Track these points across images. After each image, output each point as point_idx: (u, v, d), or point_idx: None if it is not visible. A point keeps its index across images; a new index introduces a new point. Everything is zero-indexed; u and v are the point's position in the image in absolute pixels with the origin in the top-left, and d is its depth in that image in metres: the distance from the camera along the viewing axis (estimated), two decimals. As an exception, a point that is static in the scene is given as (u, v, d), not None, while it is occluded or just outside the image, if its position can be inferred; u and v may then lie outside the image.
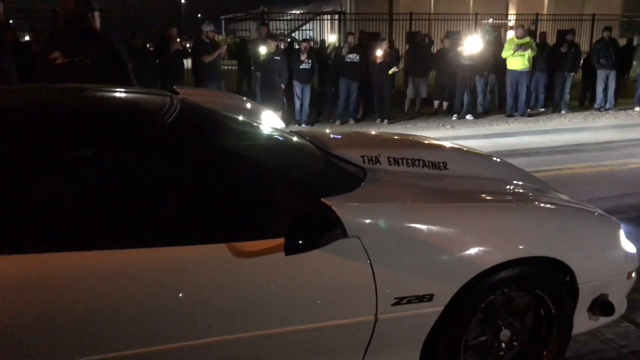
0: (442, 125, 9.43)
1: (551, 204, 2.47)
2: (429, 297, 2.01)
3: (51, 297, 1.60)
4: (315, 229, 1.80)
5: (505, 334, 2.25)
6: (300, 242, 1.75)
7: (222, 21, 23.12)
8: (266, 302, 1.82)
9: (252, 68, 9.80)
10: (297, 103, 9.34)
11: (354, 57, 9.36)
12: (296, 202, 1.89)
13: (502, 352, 2.28)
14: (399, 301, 1.97)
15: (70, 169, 1.82)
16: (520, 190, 2.63)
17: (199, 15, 16.65)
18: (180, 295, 1.72)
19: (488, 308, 2.19)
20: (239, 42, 14.27)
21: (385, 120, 9.62)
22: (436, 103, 10.67)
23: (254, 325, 1.81)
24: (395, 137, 3.37)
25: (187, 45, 9.79)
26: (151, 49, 9.17)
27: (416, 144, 3.01)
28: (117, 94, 2.39)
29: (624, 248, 2.44)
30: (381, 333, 1.99)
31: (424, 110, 10.55)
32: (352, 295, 1.92)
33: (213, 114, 2.43)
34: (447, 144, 3.11)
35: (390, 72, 9.56)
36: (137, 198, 1.83)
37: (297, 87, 9.24)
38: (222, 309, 1.77)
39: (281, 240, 1.77)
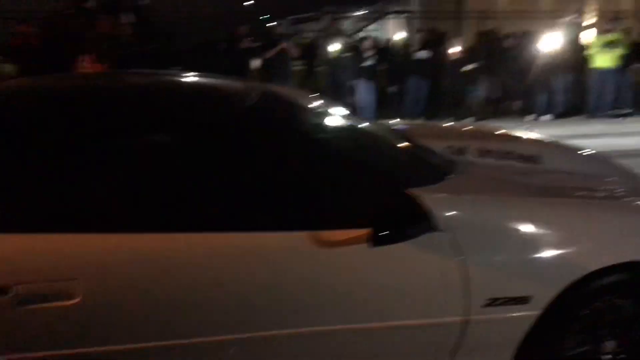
0: (518, 126, 9.00)
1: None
2: (525, 300, 1.83)
3: (133, 279, 1.58)
4: (402, 221, 1.68)
5: (609, 345, 2.03)
6: (386, 233, 1.64)
7: (288, 21, 23.38)
8: (348, 295, 1.72)
9: (318, 67, 9.79)
10: (362, 102, 9.21)
11: (423, 54, 9.12)
12: (382, 192, 1.77)
13: (604, 365, 2.06)
14: (491, 302, 1.81)
15: (161, 151, 1.80)
16: (623, 187, 2.38)
17: (267, 15, 16.88)
18: (260, 282, 1.66)
19: (591, 315, 1.98)
20: (305, 42, 14.28)
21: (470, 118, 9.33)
22: (510, 103, 10.22)
23: (335, 319, 1.72)
24: (484, 129, 3.18)
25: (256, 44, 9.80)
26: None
27: (506, 135, 2.81)
28: (202, 79, 2.36)
29: None
30: (470, 336, 1.83)
31: (497, 110, 10.12)
32: (440, 293, 1.78)
33: (296, 101, 2.36)
34: (539, 137, 2.89)
35: (466, 70, 9.26)
36: (221, 182, 1.77)
37: (361, 85, 9.12)
38: (301, 299, 1.69)
39: (365, 231, 1.66)
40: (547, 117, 9.51)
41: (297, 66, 12.55)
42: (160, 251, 1.61)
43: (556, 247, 1.85)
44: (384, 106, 9.72)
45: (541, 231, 1.86)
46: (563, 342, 1.97)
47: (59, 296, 1.52)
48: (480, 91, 10.22)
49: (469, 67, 9.32)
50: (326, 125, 2.29)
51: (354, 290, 1.73)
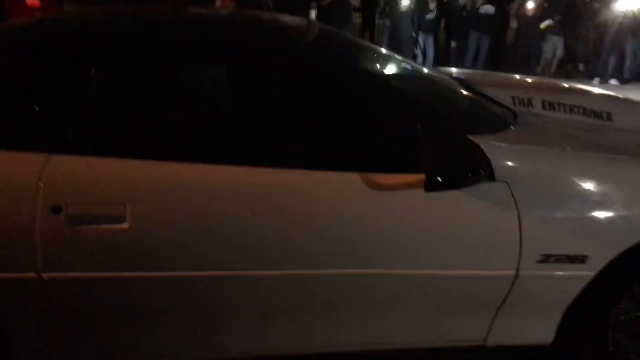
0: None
1: None
2: (581, 259, 1.76)
3: (181, 209, 1.59)
4: (459, 168, 1.62)
5: (666, 314, 1.94)
6: (442, 179, 1.59)
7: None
8: (399, 239, 1.69)
9: (379, 18, 9.49)
10: (421, 55, 8.94)
11: (488, 8, 8.69)
12: (440, 137, 1.70)
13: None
14: (545, 258, 1.74)
15: (220, 83, 1.79)
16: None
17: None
18: (311, 220, 1.65)
19: (649, 281, 1.89)
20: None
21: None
22: (571, 65, 9.66)
23: (386, 262, 1.70)
24: (552, 82, 3.02)
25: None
26: None
27: (575, 89, 2.66)
28: (259, 14, 2.32)
29: None
30: (520, 291, 1.79)
31: (561, 72, 9.63)
32: (493, 245, 1.73)
33: (355, 41, 2.28)
34: (616, 94, 2.72)
35: (542, 26, 8.78)
36: (278, 117, 1.75)
37: (421, 39, 8.83)
38: (353, 240, 1.67)
39: (421, 176, 1.61)
40: (613, 81, 8.98)
41: (358, 18, 12.20)
42: (210, 183, 1.61)
43: (618, 207, 1.76)
44: (444, 61, 9.42)
45: (603, 190, 1.76)
46: (619, 306, 1.90)
47: (108, 219, 1.54)
48: (545, 51, 9.73)
49: (545, 23, 8.83)
50: (387, 67, 2.22)
51: (405, 236, 1.70)
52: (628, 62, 9.26)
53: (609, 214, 1.76)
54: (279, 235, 1.64)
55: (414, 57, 8.53)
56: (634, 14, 8.60)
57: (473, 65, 8.97)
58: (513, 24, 10.31)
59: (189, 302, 1.67)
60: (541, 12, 8.76)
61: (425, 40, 8.87)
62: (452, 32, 9.59)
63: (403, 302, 1.79)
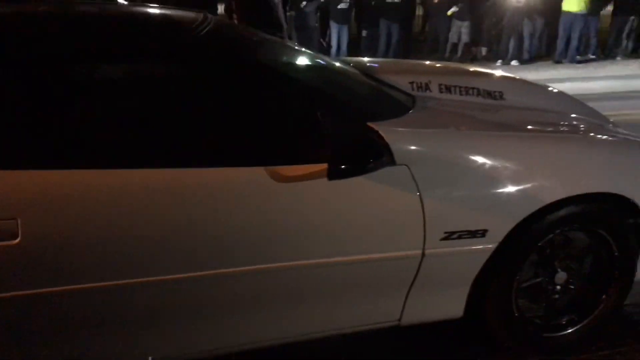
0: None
1: (617, 137, 2.23)
2: (481, 233, 1.85)
3: (74, 218, 1.51)
4: (360, 154, 1.64)
5: (561, 276, 2.08)
6: (344, 167, 1.61)
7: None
8: (306, 230, 1.69)
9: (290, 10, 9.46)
10: (334, 45, 9.03)
11: None
12: (340, 126, 1.72)
13: (556, 296, 2.12)
14: (448, 236, 1.82)
15: (103, 83, 1.70)
16: (584, 123, 2.39)
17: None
18: (215, 218, 1.61)
19: (545, 248, 2.02)
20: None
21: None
22: (476, 48, 10.13)
23: (293, 255, 1.70)
24: (448, 65, 3.14)
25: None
26: None
27: (470, 72, 2.78)
28: (150, 9, 2.23)
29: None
30: (428, 269, 1.85)
31: (466, 56, 10.07)
32: (398, 227, 1.78)
33: (250, 32, 2.25)
34: (508, 74, 2.87)
35: (449, 13, 9.11)
36: (171, 115, 1.70)
37: (333, 28, 8.91)
38: (259, 235, 1.65)
39: (324, 165, 1.62)
40: (515, 62, 9.52)
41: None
42: (103, 188, 1.53)
43: (512, 181, 1.86)
44: (357, 50, 9.57)
45: (497, 165, 1.85)
46: (519, 274, 2.01)
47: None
48: (451, 35, 10.13)
49: (451, 10, 9.19)
50: (285, 57, 2.22)
51: (312, 226, 1.70)
52: (526, 44, 9.85)
53: (504, 188, 1.85)
54: (185, 236, 1.59)
55: (325, 48, 8.56)
56: None
57: (385, 54, 9.18)
58: (419, 11, 10.65)
59: (85, 313, 1.59)
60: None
61: (340, 30, 8.96)
62: (362, 21, 9.76)
63: (318, 290, 1.80)
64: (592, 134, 2.28)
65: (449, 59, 9.79)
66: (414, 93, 2.30)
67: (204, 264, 1.62)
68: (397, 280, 1.87)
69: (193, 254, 1.61)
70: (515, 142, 1.98)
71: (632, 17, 9.82)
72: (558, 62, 9.61)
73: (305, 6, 8.24)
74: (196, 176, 1.61)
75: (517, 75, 8.17)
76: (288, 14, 8.97)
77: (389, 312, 1.93)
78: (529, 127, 2.16)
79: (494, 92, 2.43)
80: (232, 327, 1.77)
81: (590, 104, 4.43)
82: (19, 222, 1.43)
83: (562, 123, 2.33)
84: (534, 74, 8.76)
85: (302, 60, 2.25)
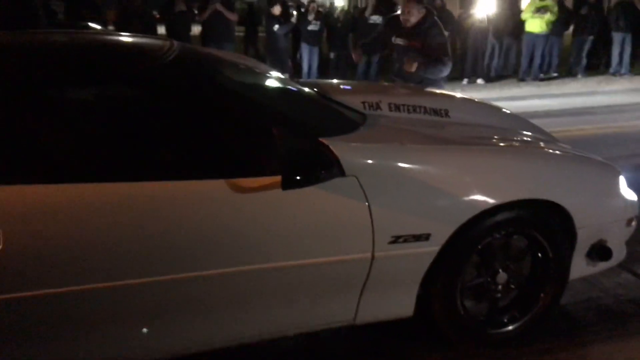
0: (452, 89, 9.31)
1: (551, 149, 2.46)
2: (425, 237, 2.03)
3: (51, 228, 1.65)
4: (312, 166, 1.82)
5: (502, 276, 2.28)
6: (297, 177, 1.78)
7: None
8: (263, 237, 1.85)
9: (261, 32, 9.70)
10: (305, 67, 9.27)
11: (376, 19, 9.13)
12: (294, 140, 1.90)
13: (498, 295, 2.31)
14: (395, 240, 1.99)
15: (76, 105, 1.85)
16: (521, 137, 2.62)
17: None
18: (180, 227, 1.77)
19: (485, 250, 2.21)
20: (246, 6, 13.97)
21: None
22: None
23: (252, 259, 1.85)
24: (398, 86, 3.36)
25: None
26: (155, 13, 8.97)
27: (419, 91, 3.00)
28: (119, 37, 2.41)
29: (624, 195, 2.44)
30: (378, 271, 2.02)
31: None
32: (349, 232, 1.95)
33: (212, 57, 2.44)
34: (453, 94, 3.10)
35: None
36: (140, 133, 1.86)
37: (304, 50, 9.16)
38: (220, 242, 1.81)
39: (279, 177, 1.79)
40: (480, 81, 9.88)
41: (240, 32, 12.32)
42: (77, 201, 1.68)
43: (452, 189, 2.05)
44: (328, 72, 9.82)
45: (438, 175, 2.05)
46: (462, 275, 2.20)
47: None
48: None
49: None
50: (245, 79, 2.41)
51: (268, 233, 1.87)
52: (494, 62, 10.23)
53: (444, 195, 2.05)
54: (149, 243, 1.74)
55: (295, 69, 8.76)
56: (488, 19, 9.54)
57: (366, 74, 9.42)
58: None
59: (69, 316, 1.73)
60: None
61: (310, 51, 9.19)
62: (334, 42, 10.02)
63: (277, 292, 1.95)
64: (528, 147, 2.50)
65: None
66: (366, 111, 2.50)
67: (167, 268, 1.76)
68: (350, 282, 2.04)
69: (158, 260, 1.75)
70: (455, 154, 2.19)
71: (590, 37, 10.31)
72: (522, 80, 10.01)
73: (278, 29, 8.48)
74: (164, 188, 1.77)
75: (482, 92, 8.48)
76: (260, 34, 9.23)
77: (344, 312, 2.09)
78: (469, 141, 2.37)
79: (439, 110, 2.65)
80: (194, 329, 1.91)
81: (549, 120, 4.71)
82: (1, 232, 1.58)
83: (501, 137, 2.55)
84: (497, 91, 9.14)
85: (260, 82, 2.45)
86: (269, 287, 1.94)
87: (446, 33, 9.65)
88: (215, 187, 1.81)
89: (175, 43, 2.25)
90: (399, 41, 4.11)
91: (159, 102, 1.89)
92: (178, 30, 7.95)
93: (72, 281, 1.68)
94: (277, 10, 8.48)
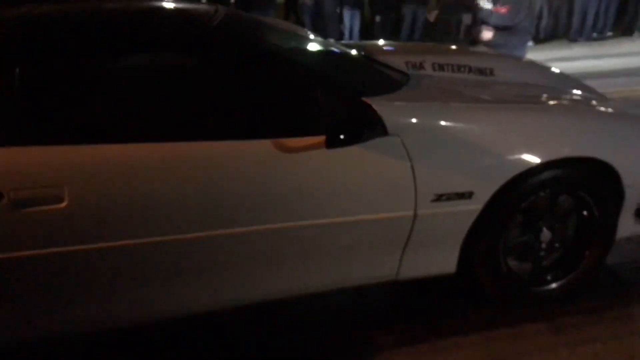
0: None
1: (599, 108, 2.41)
2: (468, 195, 2.05)
3: (112, 185, 1.77)
4: (355, 125, 1.86)
5: (546, 235, 2.28)
6: (341, 137, 1.83)
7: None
8: (310, 194, 1.92)
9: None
10: (347, 31, 9.18)
11: None
12: (338, 101, 1.95)
13: (542, 254, 2.32)
14: (438, 198, 2.02)
15: (130, 71, 1.95)
16: (569, 96, 2.57)
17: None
18: (231, 184, 1.86)
19: (529, 209, 2.21)
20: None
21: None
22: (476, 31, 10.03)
23: (300, 215, 1.93)
24: (442, 46, 3.32)
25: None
26: None
27: (464, 51, 2.97)
28: (165, 3, 2.48)
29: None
30: (420, 229, 2.07)
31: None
32: (392, 190, 1.99)
33: (256, 20, 2.49)
34: (499, 53, 3.05)
35: None
36: (192, 96, 1.95)
37: (346, 14, 9.05)
38: (269, 199, 1.89)
39: (324, 137, 1.84)
40: (530, 42, 9.53)
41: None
42: (135, 159, 1.79)
43: (495, 147, 2.05)
44: (369, 36, 9.69)
45: (481, 133, 2.05)
46: (505, 234, 2.22)
47: (49, 200, 1.71)
48: (465, 17, 10.15)
49: None
50: (288, 43, 2.44)
51: (315, 190, 1.93)
52: (543, 22, 9.83)
53: (488, 154, 2.05)
54: (206, 199, 1.84)
55: (340, 34, 8.73)
56: None
57: (410, 37, 9.28)
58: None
59: (128, 267, 1.86)
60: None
61: (352, 16, 9.10)
62: (376, 6, 9.87)
63: (323, 248, 2.03)
64: (575, 105, 2.46)
65: (465, 40, 9.82)
66: (410, 71, 2.50)
67: (222, 223, 1.87)
68: (393, 239, 2.09)
69: (212, 215, 1.86)
70: (498, 112, 2.18)
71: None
72: (574, 40, 9.60)
73: None
74: (216, 147, 1.86)
75: (530, 54, 8.22)
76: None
77: (387, 268, 2.15)
78: (514, 99, 2.34)
79: (484, 69, 2.62)
80: (249, 281, 2.02)
81: (601, 81, 4.57)
82: (65, 189, 1.70)
83: (548, 96, 2.51)
84: (547, 53, 8.80)
85: (303, 44, 2.48)
86: (314, 243, 2.01)
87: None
88: (264, 147, 1.87)
89: (220, 8, 2.31)
90: (487, 5, 4.23)
91: (208, 66, 1.95)
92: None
93: (139, 234, 1.80)
94: None
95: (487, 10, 4.26)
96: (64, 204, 1.71)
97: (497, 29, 4.15)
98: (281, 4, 10.18)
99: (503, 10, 4.10)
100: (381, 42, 3.57)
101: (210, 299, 2.02)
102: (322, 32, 7.14)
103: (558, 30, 10.18)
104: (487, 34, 4.13)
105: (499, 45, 4.02)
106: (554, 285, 2.35)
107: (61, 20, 2.11)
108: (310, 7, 8.99)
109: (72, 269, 1.80)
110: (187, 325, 2.25)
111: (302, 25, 8.58)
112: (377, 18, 9.74)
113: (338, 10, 8.73)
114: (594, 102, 2.56)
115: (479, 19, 4.64)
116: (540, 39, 9.74)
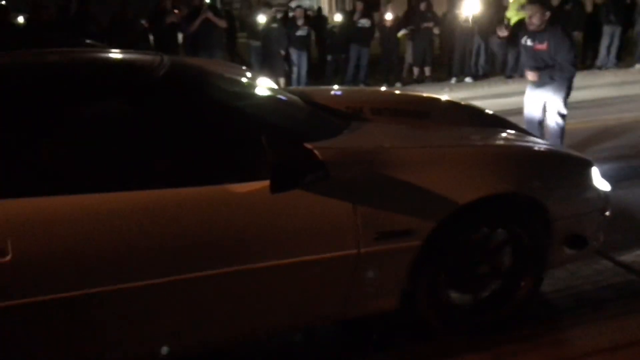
0: (441, 89, 9.46)
1: (527, 145, 2.60)
2: (408, 232, 2.15)
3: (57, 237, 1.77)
4: (298, 170, 1.95)
5: (483, 267, 2.41)
6: (284, 181, 1.90)
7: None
8: (255, 237, 1.98)
9: (247, 38, 9.83)
10: (295, 70, 9.42)
11: (364, 22, 9.41)
12: (281, 147, 2.02)
13: (480, 285, 2.44)
14: (380, 236, 2.12)
15: (76, 120, 1.98)
16: (498, 135, 2.75)
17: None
18: (175, 231, 1.89)
19: (466, 243, 2.34)
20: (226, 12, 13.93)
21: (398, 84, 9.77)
22: (416, 70, 10.36)
23: (247, 258, 1.97)
24: (381, 90, 3.50)
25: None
26: (144, 22, 9.06)
27: (401, 95, 3.14)
28: (112, 54, 2.53)
29: (597, 186, 2.57)
30: (364, 266, 2.14)
31: (421, 76, 10.54)
32: (336, 230, 2.07)
33: (201, 70, 2.58)
34: (435, 96, 3.24)
35: (399, 35, 9.62)
36: (137, 145, 1.99)
37: (294, 55, 9.32)
38: (214, 244, 1.93)
39: (268, 182, 1.91)
40: (468, 79, 10.04)
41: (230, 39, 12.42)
42: (77, 211, 1.80)
43: (432, 186, 2.17)
44: (319, 75, 9.97)
45: (419, 173, 2.18)
46: (445, 268, 2.33)
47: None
48: (407, 57, 10.61)
49: (403, 31, 9.69)
50: (232, 90, 2.54)
51: (260, 234, 1.99)
52: (481, 60, 10.38)
53: (425, 193, 2.17)
54: (153, 246, 1.86)
55: (287, 74, 8.94)
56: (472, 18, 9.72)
57: (354, 76, 9.62)
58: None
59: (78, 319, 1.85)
60: (398, 23, 9.64)
61: (299, 56, 9.37)
62: (326, 46, 10.19)
63: (269, 290, 2.07)
64: (507, 144, 2.64)
65: (404, 80, 10.25)
66: (349, 116, 2.63)
67: (166, 270, 1.88)
68: (338, 278, 2.16)
69: (155, 263, 1.87)
70: (435, 153, 2.32)
71: (575, 32, 10.46)
72: (509, 77, 10.17)
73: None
74: (162, 195, 1.90)
75: (470, 91, 8.59)
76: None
77: (335, 307, 2.21)
78: (449, 141, 2.50)
79: (420, 113, 2.78)
80: (188, 329, 2.03)
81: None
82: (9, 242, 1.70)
83: (480, 136, 2.69)
84: (485, 89, 9.29)
85: (248, 91, 2.58)
86: (263, 285, 2.05)
87: (436, 32, 9.85)
88: (208, 193, 1.93)
89: (165, 58, 2.38)
90: (528, 42, 4.34)
91: (154, 115, 2.01)
92: (167, 41, 8.05)
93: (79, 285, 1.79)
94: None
95: (528, 47, 4.39)
96: (8, 258, 1.70)
97: (539, 68, 4.30)
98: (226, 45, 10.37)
99: (543, 46, 4.22)
100: (323, 87, 3.73)
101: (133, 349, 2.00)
102: (268, 73, 7.32)
103: (495, 68, 10.78)
104: (532, 76, 4.32)
105: (545, 83, 4.22)
106: (492, 315, 2.47)
107: (9, 70, 2.13)
108: (257, 48, 9.19)
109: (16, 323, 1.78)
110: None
111: (248, 65, 8.73)
112: (329, 57, 10.09)
113: (282, 51, 8.98)
114: (522, 140, 2.75)
115: (521, 61, 4.83)
116: (479, 76, 10.27)
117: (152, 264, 1.87)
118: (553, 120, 4.62)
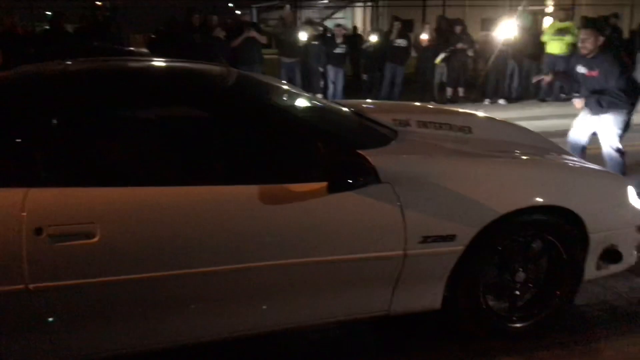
0: (475, 109, 9.53)
1: (565, 160, 2.73)
2: (451, 237, 2.31)
3: (137, 223, 1.99)
4: (353, 174, 2.13)
5: (520, 275, 2.54)
6: (341, 183, 2.10)
7: (254, 10, 23.58)
8: (313, 233, 2.16)
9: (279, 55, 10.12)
10: (331, 87, 9.66)
11: (401, 42, 9.66)
12: (336, 152, 2.23)
13: (517, 292, 2.57)
14: (425, 239, 2.28)
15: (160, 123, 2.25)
16: (540, 151, 2.90)
17: (230, 4, 17.04)
18: (243, 225, 2.09)
19: (505, 251, 2.48)
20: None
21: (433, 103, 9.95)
22: (449, 90, 10.51)
23: (304, 252, 2.15)
24: (427, 105, 3.67)
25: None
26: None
27: (444, 110, 3.31)
28: (186, 64, 2.79)
29: (632, 204, 2.68)
30: (410, 267, 2.30)
31: (454, 95, 10.67)
32: (384, 232, 2.24)
33: (265, 82, 2.81)
34: (476, 112, 3.41)
35: (437, 61, 9.81)
36: (211, 146, 2.24)
37: (330, 71, 9.57)
38: (276, 237, 2.12)
39: (324, 183, 2.11)
40: (502, 101, 10.13)
41: (268, 54, 12.78)
42: (159, 201, 2.02)
43: (475, 195, 2.33)
44: (354, 92, 10.19)
45: (463, 183, 2.33)
46: (484, 273, 2.47)
47: (82, 236, 1.92)
48: (442, 77, 10.75)
49: (441, 56, 9.86)
50: (292, 100, 2.75)
51: (315, 231, 2.17)
52: (515, 83, 10.47)
53: (469, 201, 2.32)
54: (219, 237, 2.06)
55: (324, 90, 9.19)
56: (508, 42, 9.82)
57: (389, 94, 9.83)
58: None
59: (149, 297, 2.04)
60: (434, 44, 9.83)
61: (336, 73, 9.63)
62: (362, 65, 10.42)
63: (321, 284, 2.25)
64: (546, 159, 2.78)
65: (438, 100, 10.39)
66: (397, 128, 2.81)
67: (240, 259, 2.08)
68: (386, 276, 2.32)
69: (226, 252, 2.07)
70: (478, 164, 2.48)
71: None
72: (542, 100, 10.22)
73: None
74: (231, 191, 2.12)
75: (503, 112, 8.65)
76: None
77: (380, 303, 2.37)
78: (490, 153, 2.65)
79: (463, 127, 2.95)
80: (251, 314, 2.22)
81: (564, 139, 4.88)
82: (96, 226, 1.92)
83: (520, 151, 2.83)
84: (519, 111, 9.35)
85: (307, 102, 2.79)
86: (316, 278, 2.23)
87: (470, 54, 9.95)
88: (274, 191, 2.13)
89: (231, 69, 2.61)
90: (581, 69, 4.35)
91: (226, 120, 2.25)
92: (215, 54, 8.38)
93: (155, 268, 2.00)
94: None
95: (582, 74, 4.35)
96: (95, 239, 1.92)
97: (592, 92, 4.25)
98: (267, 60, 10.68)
99: (594, 73, 4.18)
100: (369, 101, 3.92)
101: (208, 330, 2.20)
102: (306, 88, 7.57)
103: (529, 92, 10.85)
104: (577, 103, 4.33)
105: (598, 112, 4.17)
106: (529, 322, 2.58)
107: (94, 75, 2.39)
108: (288, 64, 9.48)
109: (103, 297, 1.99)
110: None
111: (289, 81, 9.01)
112: (364, 76, 10.35)
113: (321, 69, 9.24)
114: (561, 157, 2.89)
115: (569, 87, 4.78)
116: (512, 99, 10.35)
117: (223, 251, 2.07)
118: (608, 155, 4.45)
